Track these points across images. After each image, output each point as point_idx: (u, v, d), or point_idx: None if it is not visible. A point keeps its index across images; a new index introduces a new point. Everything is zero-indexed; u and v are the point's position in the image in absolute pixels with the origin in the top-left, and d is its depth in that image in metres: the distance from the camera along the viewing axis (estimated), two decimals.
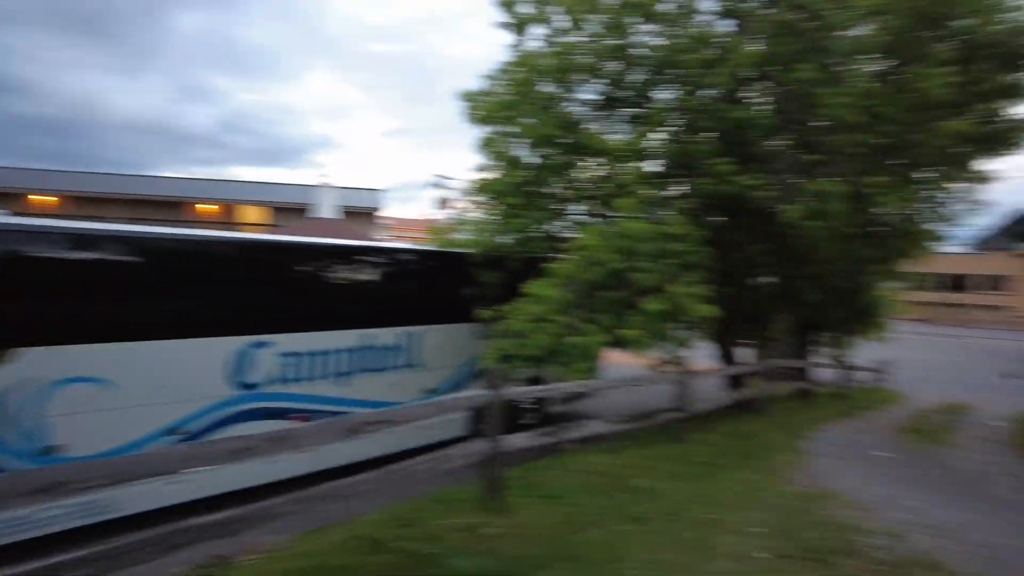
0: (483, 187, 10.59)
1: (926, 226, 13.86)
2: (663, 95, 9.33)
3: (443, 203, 30.28)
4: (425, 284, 9.40)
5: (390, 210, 48.92)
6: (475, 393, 5.69)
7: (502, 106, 10.23)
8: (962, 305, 54.26)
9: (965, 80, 10.93)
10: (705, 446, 7.67)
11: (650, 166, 9.05)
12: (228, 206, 33.83)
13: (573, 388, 7.62)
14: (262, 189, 36.42)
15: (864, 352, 16.20)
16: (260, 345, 7.00)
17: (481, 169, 10.77)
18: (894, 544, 4.28)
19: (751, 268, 10.47)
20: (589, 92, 10.23)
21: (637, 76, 9.60)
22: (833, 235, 8.00)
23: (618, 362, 9.97)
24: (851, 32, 8.72)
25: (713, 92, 8.78)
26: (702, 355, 11.17)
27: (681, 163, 9.05)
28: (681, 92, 8.93)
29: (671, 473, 6.46)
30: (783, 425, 9.08)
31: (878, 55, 9.99)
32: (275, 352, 7.13)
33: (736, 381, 10.61)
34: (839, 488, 5.80)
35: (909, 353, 30.76)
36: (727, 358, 10.73)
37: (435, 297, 9.40)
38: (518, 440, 5.86)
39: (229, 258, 7.18)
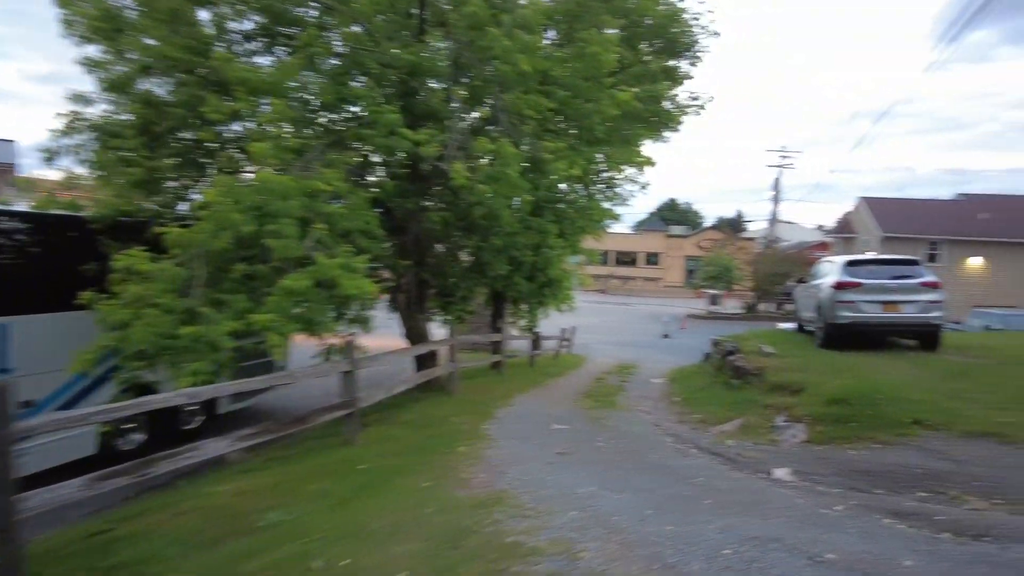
0: (85, 126, 7.75)
1: (603, 204, 14.76)
2: (319, 23, 7.65)
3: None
4: (16, 258, 6.44)
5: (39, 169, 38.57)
6: None
7: (109, 16, 7.52)
8: (630, 278, 63.74)
9: (632, 58, 11.54)
10: (377, 446, 6.37)
11: (303, 110, 7.31)
12: None
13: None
14: None
15: (552, 322, 16.95)
16: None
17: (83, 102, 7.87)
18: (564, 569, 3.39)
19: (435, 238, 9.54)
20: (234, 16, 8.08)
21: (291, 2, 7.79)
22: (508, 203, 7.34)
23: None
24: None
25: (380, 27, 7.40)
26: (394, 334, 10.11)
27: (337, 108, 7.52)
28: (338, 21, 7.36)
29: (321, 494, 4.97)
30: (472, 405, 8.33)
31: (553, 20, 9.85)
32: None
33: (424, 360, 9.62)
34: (515, 486, 4.95)
35: (589, 320, 34.77)
36: (416, 336, 9.65)
37: (34, 276, 6.56)
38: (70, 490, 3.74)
39: None
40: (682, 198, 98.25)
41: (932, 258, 34.13)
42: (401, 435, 6.94)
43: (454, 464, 5.74)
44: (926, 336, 10.25)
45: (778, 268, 39.09)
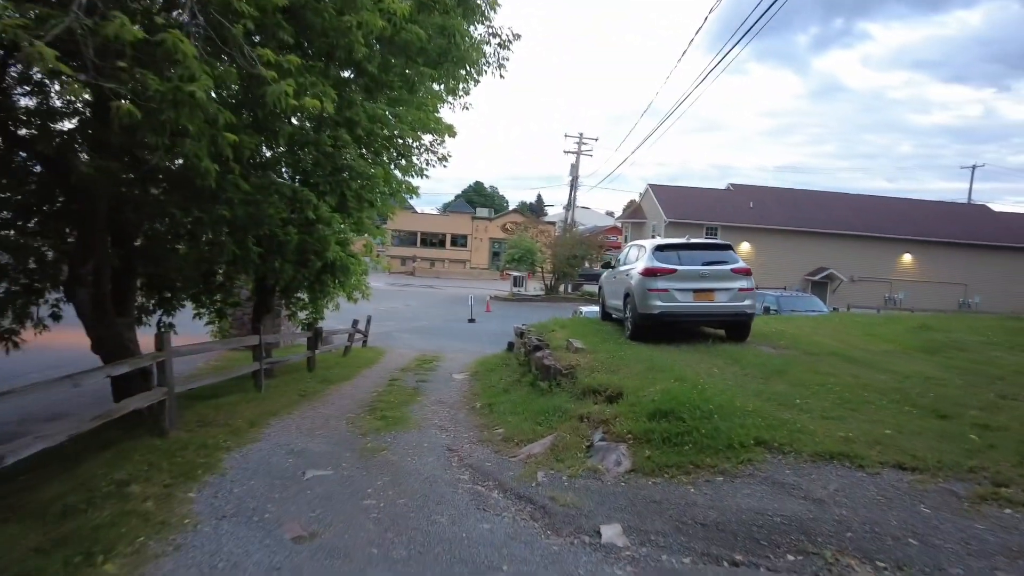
0: None
1: (397, 175, 12.62)
2: None
3: None
4: None
5: None
6: None
7: None
8: (439, 260, 62.36)
9: None
10: None
11: None
12: None
13: None
14: None
15: (350, 312, 14.52)
16: None
17: None
18: None
19: (143, 207, 6.61)
20: None
21: None
22: (206, 148, 4.80)
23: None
24: None
25: None
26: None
27: None
28: None
29: None
30: (188, 450, 5.73)
31: None
32: None
33: (127, 383, 6.67)
34: None
35: (393, 305, 32.54)
36: (109, 347, 6.63)
37: None
38: None
39: None
40: (487, 181, 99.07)
41: None
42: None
43: None
44: (739, 326, 9.74)
45: (575, 251, 40.17)
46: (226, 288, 11.17)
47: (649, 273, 9.42)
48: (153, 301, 7.47)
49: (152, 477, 4.85)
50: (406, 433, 7.40)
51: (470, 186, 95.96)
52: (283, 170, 8.54)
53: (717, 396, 6.38)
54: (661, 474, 5.35)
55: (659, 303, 9.28)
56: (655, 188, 42.81)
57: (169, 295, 7.41)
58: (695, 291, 9.32)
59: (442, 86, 11.05)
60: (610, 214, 78.10)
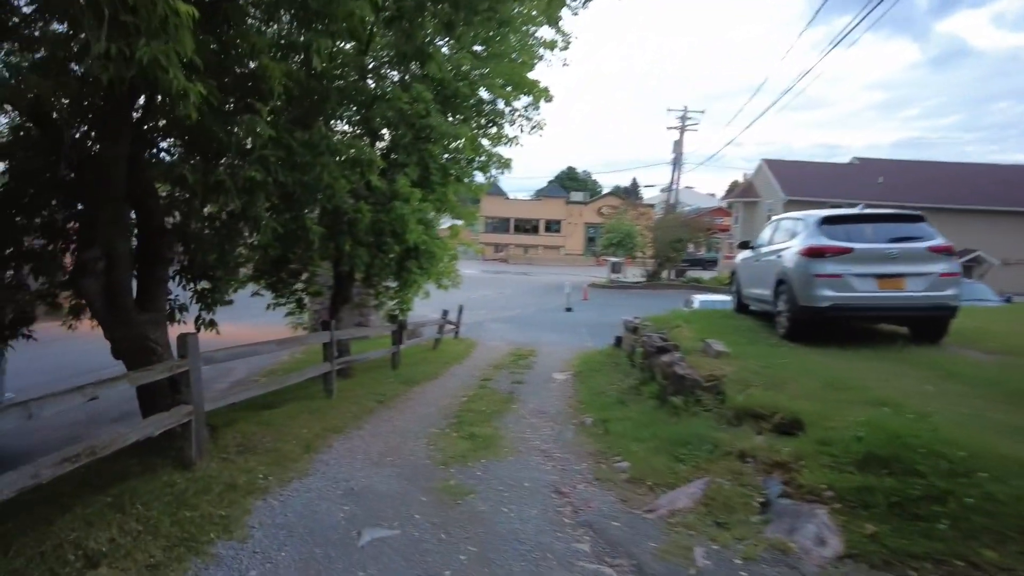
0: None
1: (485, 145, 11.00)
2: None
3: None
4: None
5: None
6: None
7: None
8: (532, 246, 60.83)
9: None
10: None
11: None
12: None
13: None
14: None
15: (433, 301, 13.13)
16: None
17: None
18: None
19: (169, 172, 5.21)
20: None
21: None
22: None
23: None
24: None
25: None
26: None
27: None
28: None
29: None
30: (214, 490, 4.28)
31: None
32: None
33: (155, 395, 5.26)
34: None
35: (486, 293, 31.23)
36: (131, 350, 5.17)
37: None
38: None
39: None
40: (579, 167, 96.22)
41: None
42: None
43: None
44: (935, 322, 7.29)
45: (679, 234, 37.23)
46: (301, 275, 9.96)
47: (814, 253, 7.17)
48: (193, 291, 6.21)
49: (138, 548, 3.39)
50: (499, 462, 5.68)
51: (562, 172, 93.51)
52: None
53: (961, 435, 4.20)
54: (901, 570, 3.34)
55: (828, 292, 7.02)
56: (770, 163, 38.90)
57: (209, 286, 6.14)
58: (879, 277, 6.98)
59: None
60: (711, 195, 73.50)
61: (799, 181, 35.79)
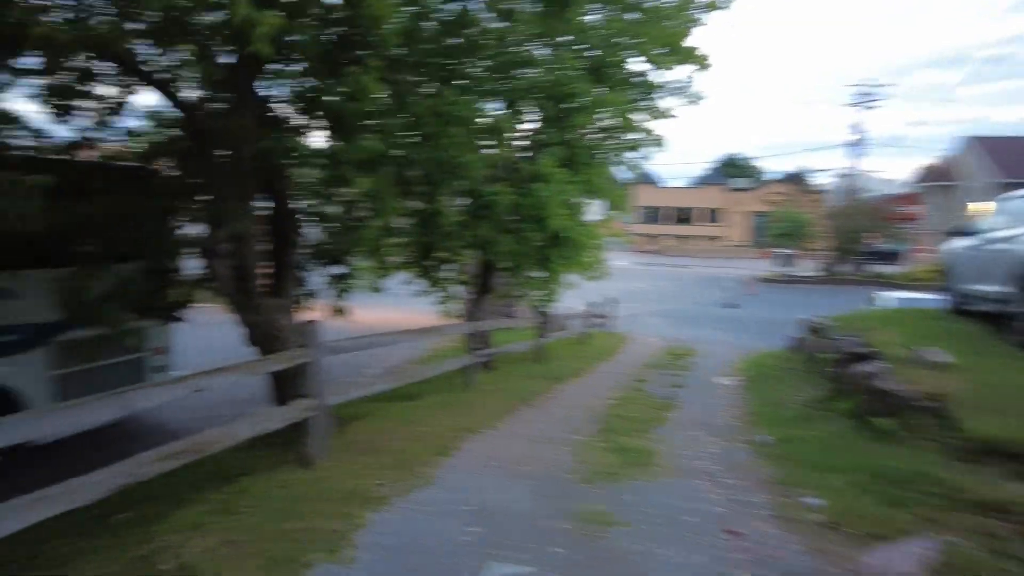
0: None
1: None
2: None
3: None
4: None
5: None
6: None
7: None
8: (689, 236, 57.83)
9: None
10: None
11: None
12: None
13: None
14: None
15: (581, 292, 12.40)
16: None
17: None
18: None
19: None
20: None
21: None
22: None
23: None
24: None
25: None
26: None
27: None
28: None
29: None
30: (324, 497, 3.87)
31: None
32: None
33: (286, 383, 4.99)
34: None
35: (638, 286, 29.77)
36: (264, 337, 4.95)
37: None
38: None
39: None
40: (739, 152, 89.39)
41: None
42: None
43: None
44: None
45: (862, 223, 32.93)
46: (446, 263, 9.68)
47: None
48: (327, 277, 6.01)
49: (232, 564, 2.99)
50: (654, 485, 4.78)
51: (721, 159, 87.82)
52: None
53: None
54: None
55: None
56: (981, 141, 33.08)
57: (342, 272, 5.89)
58: None
59: None
60: (891, 180, 64.78)
61: (1019, 159, 30.00)
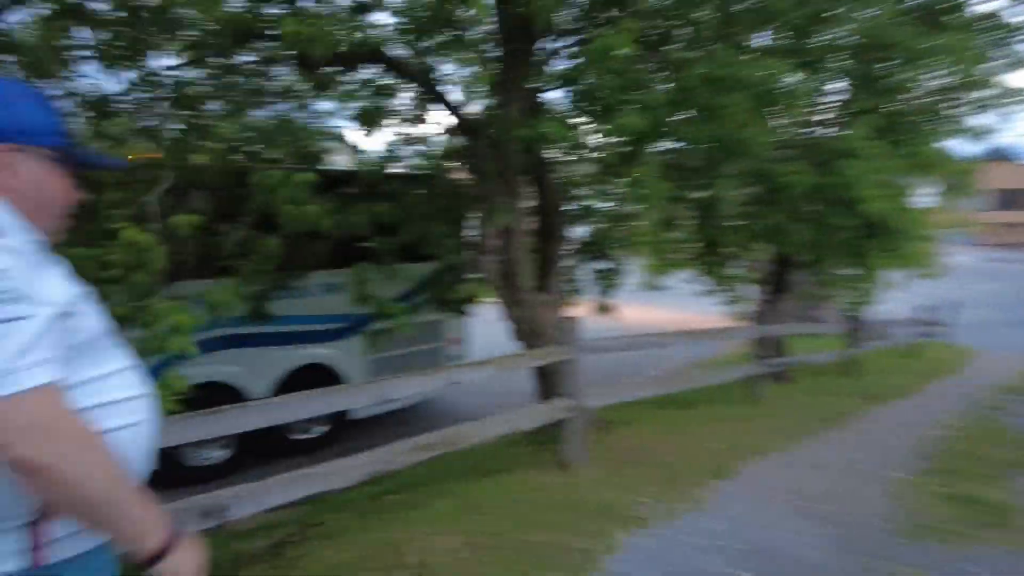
0: None
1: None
2: None
3: None
4: None
5: None
6: None
7: None
8: (1019, 224, 44.49)
9: None
10: None
11: None
12: None
13: None
14: None
15: (908, 295, 10.27)
16: None
17: None
18: None
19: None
20: None
21: None
22: None
23: None
24: None
25: None
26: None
27: None
28: None
29: None
30: (578, 507, 3.52)
31: None
32: None
33: (552, 378, 4.86)
34: None
35: (990, 288, 23.76)
36: (530, 331, 4.89)
37: None
38: None
39: None
40: None
41: None
42: None
43: None
44: None
45: None
46: (733, 258, 8.78)
47: None
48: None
49: (470, 568, 2.88)
50: (1014, 555, 3.47)
51: None
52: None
53: None
54: None
55: None
56: None
57: (608, 269, 5.56)
58: None
59: None
60: None
61: None
